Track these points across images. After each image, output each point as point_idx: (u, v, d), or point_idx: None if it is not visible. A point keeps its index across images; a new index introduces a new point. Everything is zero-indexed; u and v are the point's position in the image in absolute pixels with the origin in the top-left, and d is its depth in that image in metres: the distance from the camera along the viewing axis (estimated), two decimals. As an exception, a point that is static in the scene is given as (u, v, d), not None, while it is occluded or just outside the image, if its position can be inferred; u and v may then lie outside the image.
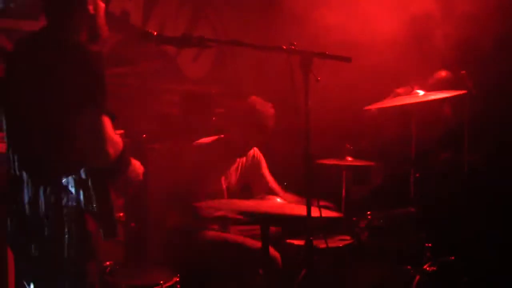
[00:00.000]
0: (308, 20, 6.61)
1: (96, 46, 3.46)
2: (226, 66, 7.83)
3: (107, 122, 3.25)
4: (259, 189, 5.41)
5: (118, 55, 6.70)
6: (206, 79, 7.61)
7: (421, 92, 5.27)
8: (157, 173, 5.98)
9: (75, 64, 3.25)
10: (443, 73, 6.49)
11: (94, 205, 3.31)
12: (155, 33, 3.28)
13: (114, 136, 3.31)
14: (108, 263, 4.27)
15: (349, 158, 5.62)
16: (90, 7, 3.44)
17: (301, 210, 3.49)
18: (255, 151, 5.45)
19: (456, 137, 6.05)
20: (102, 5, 3.58)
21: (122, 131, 5.99)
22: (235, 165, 5.36)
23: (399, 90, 6.50)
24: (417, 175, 5.37)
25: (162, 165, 6.02)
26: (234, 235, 5.19)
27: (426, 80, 6.48)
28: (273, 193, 5.26)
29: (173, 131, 6.83)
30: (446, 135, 6.42)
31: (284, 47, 3.45)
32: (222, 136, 5.31)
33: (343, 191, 5.74)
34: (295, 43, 3.44)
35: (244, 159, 5.39)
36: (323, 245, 4.36)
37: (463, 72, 5.35)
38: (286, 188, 5.50)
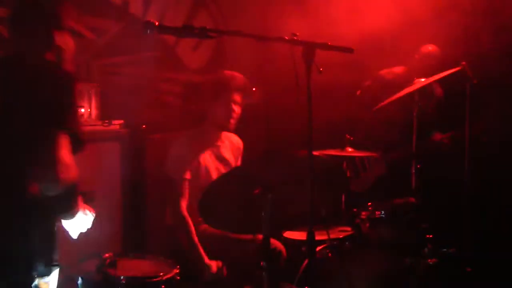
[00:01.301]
0: (310, 10, 6.60)
1: (65, 65, 3.37)
2: (226, 56, 7.80)
3: (65, 144, 3.09)
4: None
5: (118, 44, 6.67)
6: (206, 69, 7.57)
7: (422, 79, 5.28)
8: (156, 164, 5.97)
9: (33, 83, 3.18)
10: (429, 47, 6.49)
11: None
12: (157, 23, 3.25)
13: (71, 163, 3.12)
14: (107, 255, 4.23)
15: (350, 149, 5.59)
16: (57, 38, 3.40)
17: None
18: (237, 140, 5.50)
19: (451, 118, 6.07)
20: (71, 43, 3.52)
21: (121, 121, 6.00)
22: (223, 148, 5.38)
23: (382, 72, 6.53)
24: (418, 166, 5.36)
25: (161, 156, 6.00)
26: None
27: (413, 56, 6.49)
28: None
29: (173, 121, 6.81)
30: (442, 118, 6.42)
31: (286, 37, 3.43)
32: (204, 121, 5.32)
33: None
34: (297, 33, 3.43)
35: (228, 146, 5.40)
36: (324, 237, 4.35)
37: (464, 63, 5.33)
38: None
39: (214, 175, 5.17)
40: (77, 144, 3.24)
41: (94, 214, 3.70)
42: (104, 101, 6.11)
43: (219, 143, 5.35)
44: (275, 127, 5.67)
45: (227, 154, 5.37)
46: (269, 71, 6.71)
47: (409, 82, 5.54)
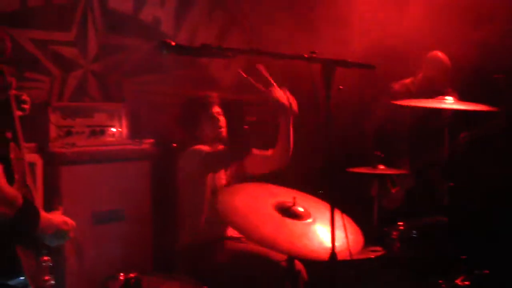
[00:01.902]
0: (343, 24, 6.57)
1: None
2: (259, 74, 7.75)
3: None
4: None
5: (148, 63, 6.68)
6: (238, 87, 7.55)
7: (450, 99, 5.17)
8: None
9: None
10: (438, 53, 6.41)
11: None
12: (173, 43, 3.21)
13: (7, 189, 2.93)
14: (132, 274, 4.21)
15: (381, 166, 5.51)
16: None
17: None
18: None
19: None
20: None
21: (152, 140, 6.00)
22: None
23: (396, 85, 6.48)
24: (451, 184, 5.26)
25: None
26: (255, 246, 5.11)
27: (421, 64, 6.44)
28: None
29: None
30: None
31: (306, 55, 3.38)
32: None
33: (375, 200, 5.63)
34: (317, 51, 3.38)
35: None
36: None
37: (499, 76, 5.22)
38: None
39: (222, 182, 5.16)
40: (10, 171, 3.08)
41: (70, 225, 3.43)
42: (135, 120, 6.13)
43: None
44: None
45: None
46: (298, 88, 6.66)
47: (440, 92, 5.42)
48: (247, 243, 5.01)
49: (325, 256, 3.36)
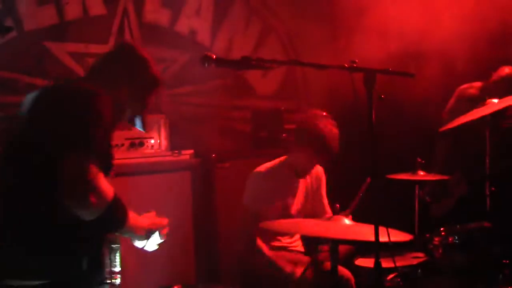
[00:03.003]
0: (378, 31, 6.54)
1: (87, 85, 3.29)
2: (297, 82, 7.78)
3: (92, 169, 2.99)
4: (318, 209, 5.35)
5: (186, 74, 6.71)
6: (277, 95, 7.57)
7: (495, 101, 5.12)
8: (226, 193, 5.96)
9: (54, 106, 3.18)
10: (506, 69, 6.31)
11: None
12: (214, 56, 3.23)
13: (102, 184, 3.03)
14: (176, 287, 4.22)
15: (422, 173, 5.48)
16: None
17: (369, 233, 3.40)
18: (318, 169, 5.36)
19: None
20: None
21: (191, 151, 6.02)
22: (301, 187, 5.26)
23: (463, 87, 6.43)
24: (493, 189, 5.21)
25: (231, 185, 5.98)
26: (303, 255, 5.11)
27: (489, 79, 6.33)
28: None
29: (244, 149, 6.81)
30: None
31: (346, 65, 3.38)
32: (285, 157, 5.22)
33: (416, 207, 5.59)
34: (357, 60, 3.37)
35: (308, 179, 5.30)
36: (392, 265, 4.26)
37: None
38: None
39: (293, 211, 5.16)
40: (107, 167, 3.19)
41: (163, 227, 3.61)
42: (174, 131, 6.16)
43: (296, 186, 5.29)
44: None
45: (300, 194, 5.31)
46: (336, 96, 6.66)
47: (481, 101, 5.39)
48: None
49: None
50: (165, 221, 3.61)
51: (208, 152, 6.17)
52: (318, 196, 5.39)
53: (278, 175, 5.12)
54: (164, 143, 5.99)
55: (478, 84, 6.50)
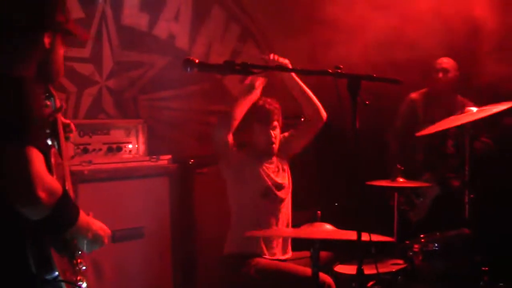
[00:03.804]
0: (355, 38, 6.55)
1: (17, 71, 2.84)
2: (275, 87, 7.75)
3: (37, 158, 2.69)
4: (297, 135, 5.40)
5: (164, 78, 6.68)
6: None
7: (474, 109, 5.13)
8: (204, 198, 5.94)
9: None
10: (445, 59, 6.48)
11: None
12: (197, 61, 3.20)
13: (48, 177, 2.75)
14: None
15: (401, 179, 5.48)
16: (46, 41, 3.02)
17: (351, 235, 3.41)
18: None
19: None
20: (61, 49, 3.18)
21: (169, 156, 5.98)
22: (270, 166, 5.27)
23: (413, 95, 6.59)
24: (472, 196, 5.21)
25: (209, 190, 5.96)
26: (287, 263, 5.09)
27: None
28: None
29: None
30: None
31: (330, 70, 3.36)
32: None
33: (395, 213, 5.59)
34: (341, 66, 3.36)
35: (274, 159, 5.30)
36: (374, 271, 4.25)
37: None
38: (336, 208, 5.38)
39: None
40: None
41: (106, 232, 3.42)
42: (152, 136, 6.12)
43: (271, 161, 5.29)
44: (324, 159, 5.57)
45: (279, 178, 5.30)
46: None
47: (459, 109, 5.41)
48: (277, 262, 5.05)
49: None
50: (108, 230, 3.41)
51: (186, 158, 6.14)
52: (290, 140, 5.41)
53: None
54: (142, 148, 5.95)
55: (423, 90, 6.67)
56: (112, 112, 6.43)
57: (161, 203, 5.86)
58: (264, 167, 5.17)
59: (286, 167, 5.34)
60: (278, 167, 5.28)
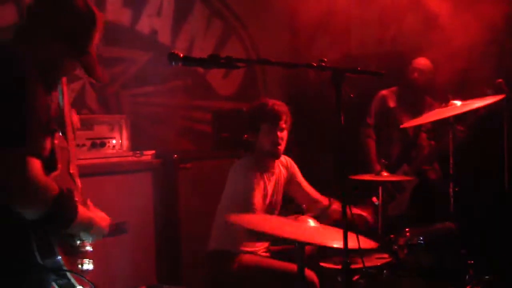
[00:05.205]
0: (337, 33, 6.56)
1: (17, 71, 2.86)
2: (257, 82, 7.77)
3: (33, 163, 2.73)
4: (301, 198, 5.33)
5: (147, 74, 6.66)
6: (237, 96, 7.54)
7: (458, 103, 5.13)
8: (188, 193, 5.93)
9: None
10: (422, 61, 6.51)
11: None
12: (182, 54, 3.17)
13: (43, 179, 2.78)
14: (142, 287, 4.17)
15: (385, 174, 5.48)
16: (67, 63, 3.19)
17: (336, 235, 3.38)
18: (287, 161, 5.34)
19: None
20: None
21: (153, 152, 5.96)
22: (270, 181, 5.23)
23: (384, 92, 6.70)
24: (456, 189, 5.22)
25: (193, 185, 5.95)
26: (270, 259, 5.07)
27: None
28: (313, 199, 5.32)
29: (205, 150, 6.77)
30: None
31: (314, 64, 3.35)
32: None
33: (379, 207, 5.59)
34: (326, 59, 3.34)
35: (276, 172, 5.26)
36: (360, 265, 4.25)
37: (500, 80, 5.21)
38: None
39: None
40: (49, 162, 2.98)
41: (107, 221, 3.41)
42: (135, 131, 6.10)
43: (275, 170, 5.25)
44: (305, 152, 5.56)
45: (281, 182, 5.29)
46: (300, 95, 6.67)
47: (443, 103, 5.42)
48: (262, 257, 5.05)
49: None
50: (108, 218, 3.42)
51: (169, 153, 6.12)
52: (295, 186, 5.37)
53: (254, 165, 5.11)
54: (125, 143, 5.92)
55: (393, 88, 6.71)
56: (95, 108, 6.41)
57: (144, 198, 5.86)
58: (265, 179, 5.14)
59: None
60: (276, 181, 5.26)
